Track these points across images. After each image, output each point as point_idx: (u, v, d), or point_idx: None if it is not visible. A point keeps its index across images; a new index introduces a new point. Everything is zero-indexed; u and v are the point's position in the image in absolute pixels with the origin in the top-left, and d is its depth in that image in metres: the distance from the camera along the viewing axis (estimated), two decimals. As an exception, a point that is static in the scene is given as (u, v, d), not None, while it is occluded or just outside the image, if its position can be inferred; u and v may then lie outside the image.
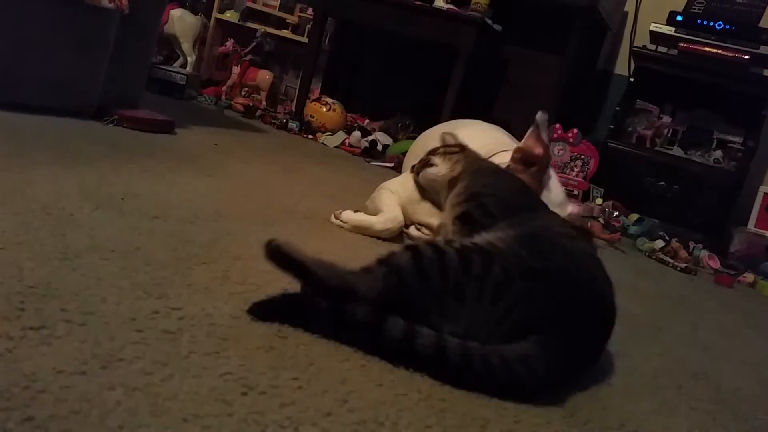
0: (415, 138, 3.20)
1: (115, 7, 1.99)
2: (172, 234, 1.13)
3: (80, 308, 0.76)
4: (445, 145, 1.47)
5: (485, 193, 1.18)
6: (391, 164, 3.04)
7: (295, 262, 0.86)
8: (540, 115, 1.46)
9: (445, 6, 3.16)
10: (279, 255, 0.86)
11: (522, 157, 1.46)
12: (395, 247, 0.93)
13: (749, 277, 2.50)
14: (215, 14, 4.29)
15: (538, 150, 1.44)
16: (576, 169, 3.08)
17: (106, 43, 2.07)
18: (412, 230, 1.65)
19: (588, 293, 0.93)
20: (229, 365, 0.71)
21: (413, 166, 1.52)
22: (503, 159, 1.53)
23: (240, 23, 4.24)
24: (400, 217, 1.57)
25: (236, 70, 3.99)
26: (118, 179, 1.42)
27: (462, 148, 1.42)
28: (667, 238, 2.69)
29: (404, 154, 3.06)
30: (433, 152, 1.45)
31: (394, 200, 1.64)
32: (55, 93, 1.97)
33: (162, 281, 0.90)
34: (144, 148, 1.85)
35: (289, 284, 1.00)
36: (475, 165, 1.35)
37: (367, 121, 3.77)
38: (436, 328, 0.84)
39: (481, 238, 0.97)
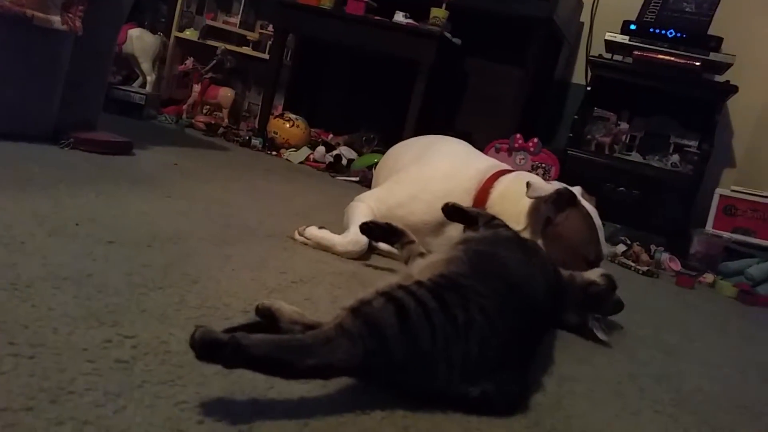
0: (380, 152, 3.22)
1: (68, 29, 1.95)
2: (128, 259, 1.10)
3: (29, 340, 0.74)
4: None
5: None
6: (357, 178, 3.04)
7: (257, 358, 0.68)
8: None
9: (404, 21, 3.19)
10: (235, 357, 0.67)
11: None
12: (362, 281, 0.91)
13: (709, 277, 2.56)
14: (174, 33, 4.26)
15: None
16: (538, 178, 3.13)
17: (59, 66, 2.03)
18: (382, 244, 1.65)
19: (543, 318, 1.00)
20: (185, 393, 0.70)
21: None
22: (506, 183, 1.59)
23: (200, 41, 4.22)
24: (363, 240, 1.55)
25: (197, 88, 3.97)
26: (74, 204, 1.39)
27: None
28: (628, 242, 2.74)
29: (369, 168, 3.07)
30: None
31: (366, 217, 1.63)
32: (8, 117, 1.92)
33: (116, 308, 0.88)
34: (101, 170, 1.82)
35: (250, 305, 0.99)
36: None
37: (331, 135, 3.77)
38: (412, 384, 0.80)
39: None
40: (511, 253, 1.05)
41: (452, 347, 0.78)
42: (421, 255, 1.26)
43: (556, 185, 1.53)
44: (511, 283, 0.93)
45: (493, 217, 1.32)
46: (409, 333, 0.76)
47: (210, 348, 0.67)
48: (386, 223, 1.37)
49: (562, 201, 1.49)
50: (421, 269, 0.98)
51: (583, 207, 1.52)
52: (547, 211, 1.49)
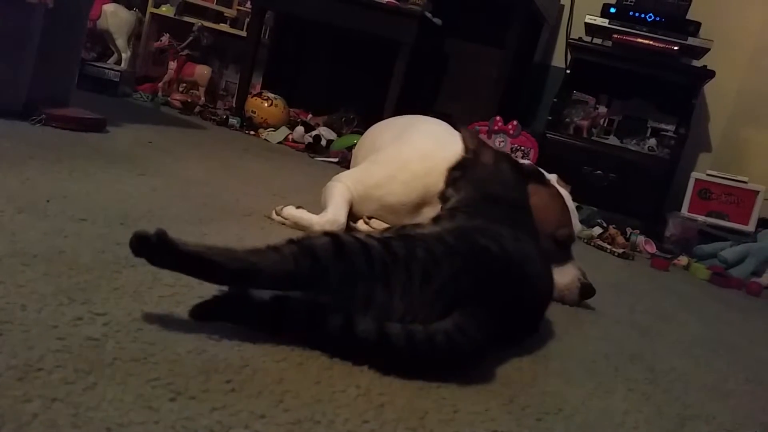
0: (359, 133, 3.20)
1: (38, 1, 1.89)
2: (100, 236, 1.08)
3: (-4, 317, 0.72)
4: None
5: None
6: (336, 159, 3.02)
7: (183, 254, 0.75)
8: None
9: (385, 0, 3.16)
10: (161, 250, 0.74)
11: None
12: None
13: (683, 260, 2.60)
14: (150, 9, 4.17)
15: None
16: (517, 160, 3.14)
17: (30, 39, 1.97)
18: (360, 224, 1.64)
19: (510, 270, 0.97)
20: (157, 371, 0.69)
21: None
22: None
23: (176, 17, 4.13)
24: (342, 219, 1.54)
25: (173, 65, 3.89)
26: (45, 181, 1.36)
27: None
28: (604, 225, 2.76)
29: (349, 149, 3.05)
30: None
31: (343, 197, 1.62)
32: (-24, 92, 1.87)
33: (87, 286, 0.86)
34: (73, 147, 1.77)
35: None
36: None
37: (311, 116, 3.73)
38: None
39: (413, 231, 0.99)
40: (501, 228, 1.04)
41: (391, 275, 0.82)
42: None
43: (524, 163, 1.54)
44: (476, 245, 0.94)
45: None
46: (342, 256, 0.81)
47: (139, 240, 0.75)
48: None
49: (530, 178, 1.49)
50: None
51: (552, 186, 1.53)
52: None
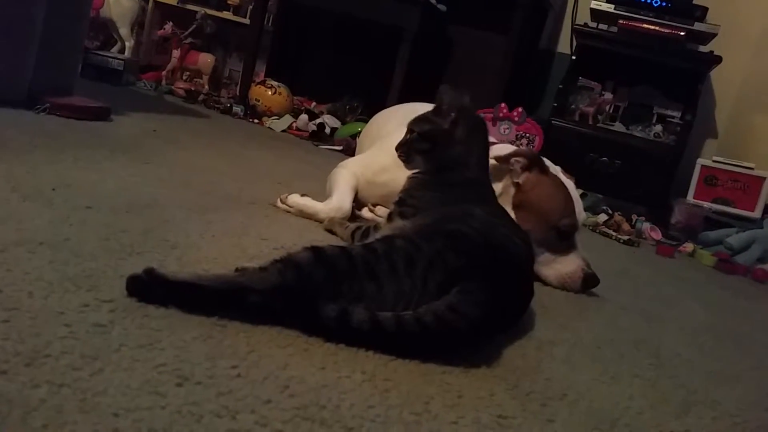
0: (363, 120, 3.19)
1: (41, -11, 1.89)
2: (105, 224, 1.08)
3: (3, 304, 0.72)
4: None
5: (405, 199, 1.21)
6: (340, 147, 3.02)
7: (173, 283, 0.80)
8: None
9: (389, -14, 3.14)
10: (152, 285, 0.79)
11: None
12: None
13: (689, 246, 2.59)
14: (153, -3, 4.15)
15: None
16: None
17: (33, 28, 1.97)
18: (365, 212, 1.64)
19: (497, 248, 0.98)
20: (163, 356, 0.69)
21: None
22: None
23: (179, 5, 4.12)
24: (347, 207, 1.55)
25: (176, 53, 3.89)
26: (49, 169, 1.36)
27: None
28: (610, 211, 2.76)
29: (353, 136, 3.04)
30: None
31: (348, 184, 1.62)
32: (-20, 81, 1.87)
33: (93, 273, 0.86)
34: (78, 136, 1.78)
35: (230, 271, 0.98)
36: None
37: (315, 104, 3.72)
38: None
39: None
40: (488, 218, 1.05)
41: (375, 268, 0.85)
42: None
43: (517, 148, 1.55)
44: (449, 228, 0.96)
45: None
46: (324, 262, 0.84)
47: (132, 281, 0.80)
48: None
49: (531, 166, 1.49)
50: None
51: (555, 176, 1.52)
52: (514, 176, 1.49)
